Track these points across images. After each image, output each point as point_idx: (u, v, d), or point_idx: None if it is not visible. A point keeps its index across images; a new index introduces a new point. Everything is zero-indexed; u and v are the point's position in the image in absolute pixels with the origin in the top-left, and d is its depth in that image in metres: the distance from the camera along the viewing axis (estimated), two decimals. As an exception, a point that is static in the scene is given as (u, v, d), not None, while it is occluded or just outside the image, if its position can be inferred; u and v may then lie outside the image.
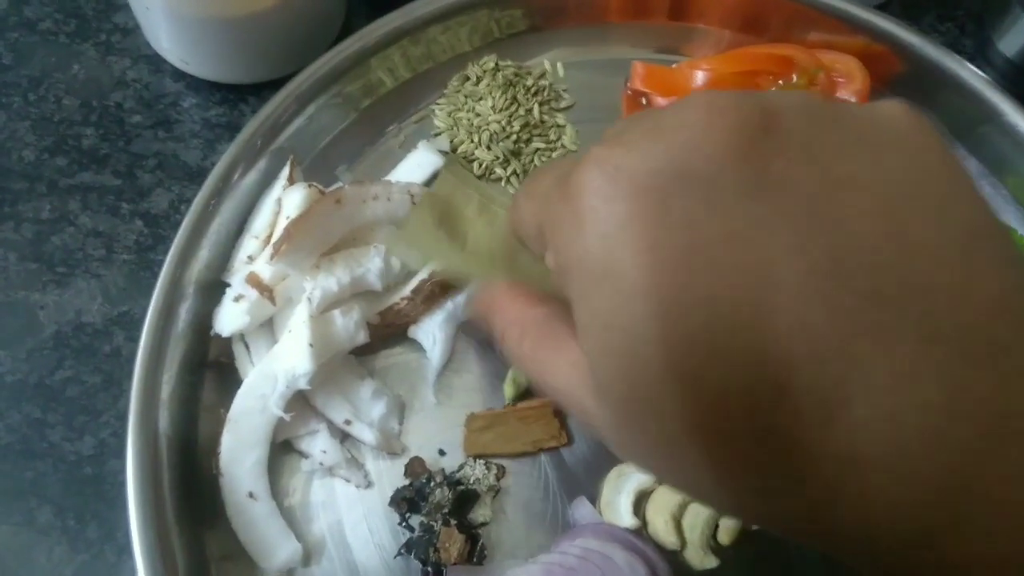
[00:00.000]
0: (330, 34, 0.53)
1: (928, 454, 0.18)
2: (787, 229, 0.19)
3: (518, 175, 0.50)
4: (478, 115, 0.50)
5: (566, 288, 0.22)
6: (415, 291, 0.44)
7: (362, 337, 0.43)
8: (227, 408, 0.41)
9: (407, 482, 0.42)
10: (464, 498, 0.42)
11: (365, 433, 0.42)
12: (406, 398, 0.44)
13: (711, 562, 0.41)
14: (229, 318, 0.42)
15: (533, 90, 0.51)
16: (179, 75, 0.53)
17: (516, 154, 0.50)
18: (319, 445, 0.42)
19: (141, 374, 0.41)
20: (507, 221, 0.28)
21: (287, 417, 0.41)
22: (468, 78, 0.52)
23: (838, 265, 0.18)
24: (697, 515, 0.41)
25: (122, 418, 0.40)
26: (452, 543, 0.40)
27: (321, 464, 0.42)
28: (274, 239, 0.43)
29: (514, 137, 0.50)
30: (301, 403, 0.42)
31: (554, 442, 0.43)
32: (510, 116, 0.50)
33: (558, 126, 0.51)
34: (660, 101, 0.51)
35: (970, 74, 0.49)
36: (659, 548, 0.41)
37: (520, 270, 0.32)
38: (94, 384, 0.45)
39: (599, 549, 0.40)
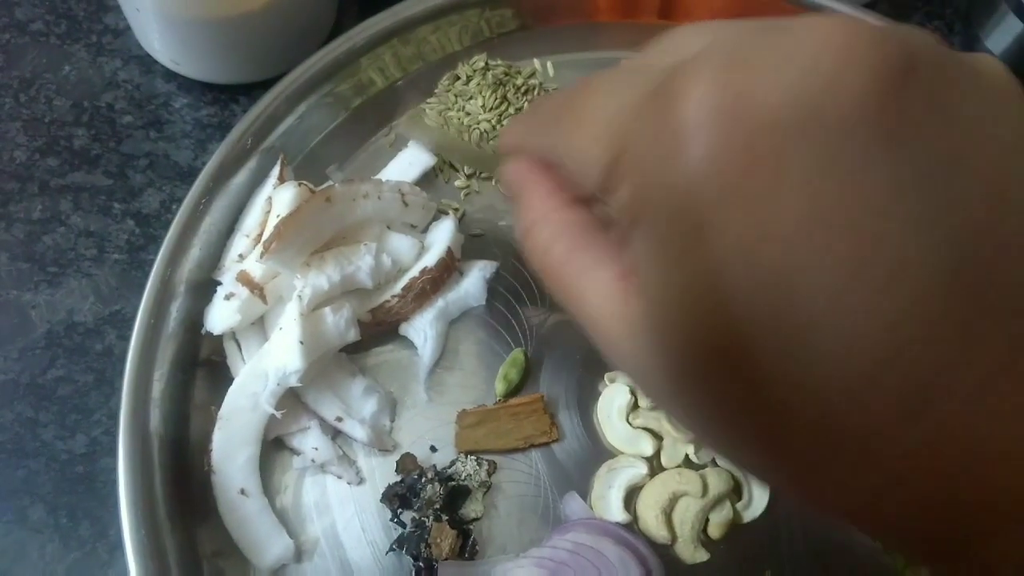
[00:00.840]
0: (320, 34, 0.54)
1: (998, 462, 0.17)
2: (915, 199, 0.17)
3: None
4: (468, 114, 0.50)
5: (638, 212, 0.19)
6: (406, 289, 0.44)
7: (353, 335, 0.43)
8: (219, 406, 0.41)
9: (399, 478, 0.42)
10: (455, 494, 0.42)
11: (357, 430, 0.42)
12: (397, 395, 0.45)
13: (702, 556, 0.42)
14: (220, 316, 0.42)
15: (523, 89, 0.51)
16: (170, 75, 0.53)
17: (506, 152, 0.50)
18: (311, 442, 0.42)
19: (133, 373, 0.41)
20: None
21: (278, 414, 0.41)
22: (458, 77, 0.52)
23: (962, 250, 0.17)
24: (687, 509, 0.42)
25: (114, 416, 0.41)
26: (444, 539, 0.40)
27: (313, 461, 0.42)
28: (264, 237, 0.43)
29: (504, 135, 0.50)
30: (292, 400, 0.42)
31: (545, 438, 0.43)
32: (500, 115, 0.50)
33: (548, 124, 0.51)
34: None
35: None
36: (650, 542, 0.41)
37: None
38: (86, 383, 0.45)
39: (590, 544, 0.40)
